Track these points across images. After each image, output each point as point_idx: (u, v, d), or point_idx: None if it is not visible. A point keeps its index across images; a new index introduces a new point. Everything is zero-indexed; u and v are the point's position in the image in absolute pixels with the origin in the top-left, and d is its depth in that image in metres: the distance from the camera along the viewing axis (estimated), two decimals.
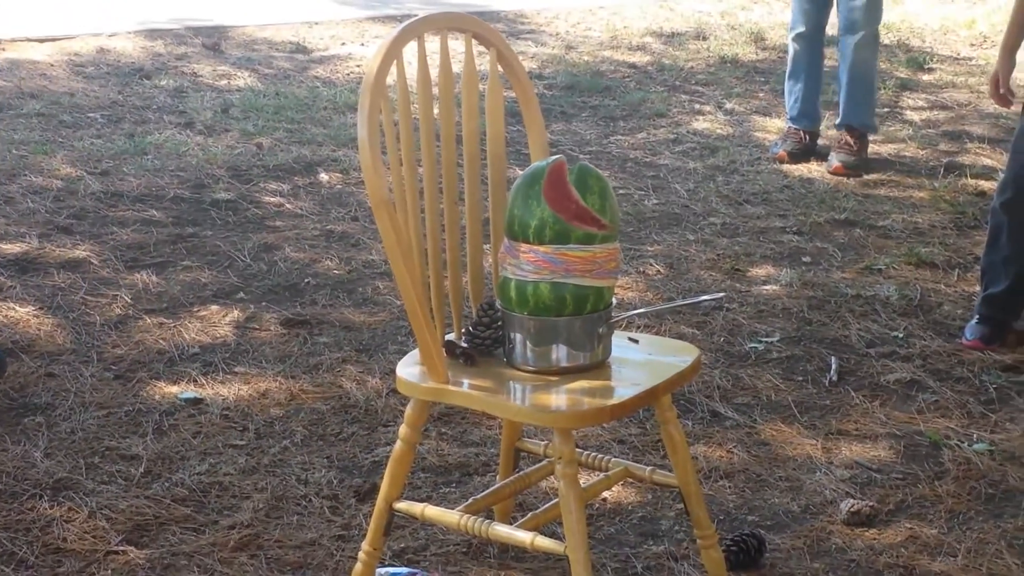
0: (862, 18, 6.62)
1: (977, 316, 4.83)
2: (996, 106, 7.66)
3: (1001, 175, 6.40)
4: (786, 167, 6.74)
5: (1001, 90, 4.74)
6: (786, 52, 7.10)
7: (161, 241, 5.59)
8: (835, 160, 6.68)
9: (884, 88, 8.07)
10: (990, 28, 9.68)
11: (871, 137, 6.89)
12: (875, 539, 3.59)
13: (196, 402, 4.28)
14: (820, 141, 6.96)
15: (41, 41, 8.84)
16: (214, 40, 9.00)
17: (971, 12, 9.89)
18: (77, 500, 3.69)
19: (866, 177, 6.62)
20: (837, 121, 6.85)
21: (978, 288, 5.01)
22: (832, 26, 6.93)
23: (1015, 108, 5.00)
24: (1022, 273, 4.76)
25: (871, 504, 3.70)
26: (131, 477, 3.83)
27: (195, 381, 4.41)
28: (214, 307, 4.98)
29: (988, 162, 6.79)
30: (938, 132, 7.37)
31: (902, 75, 8.46)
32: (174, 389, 4.36)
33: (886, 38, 9.07)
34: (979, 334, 4.77)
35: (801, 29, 6.77)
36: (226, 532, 3.56)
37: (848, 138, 6.71)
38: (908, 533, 3.61)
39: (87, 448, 3.99)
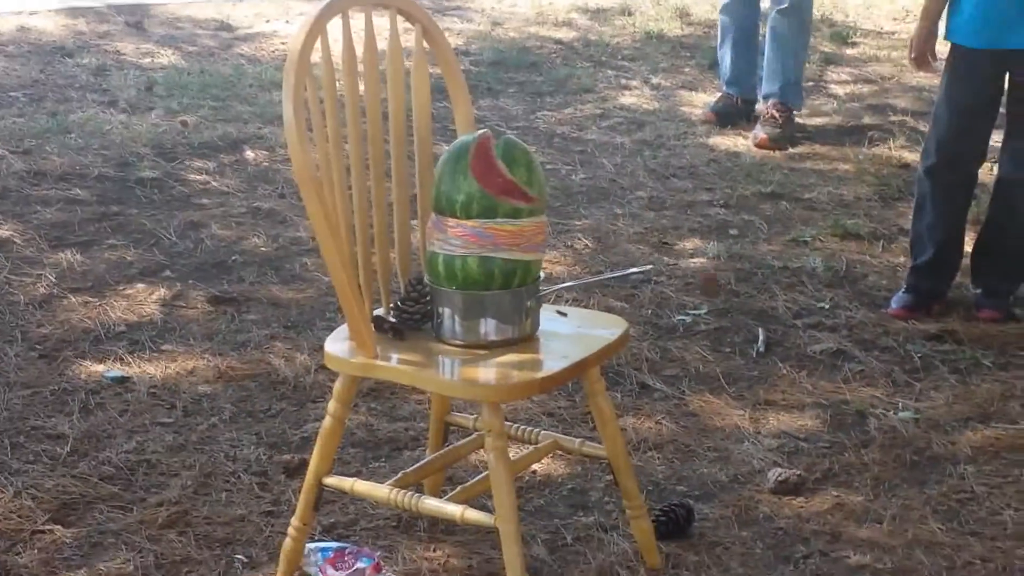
0: None
1: (904, 286, 4.88)
2: (918, 78, 7.78)
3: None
4: (713, 140, 6.77)
5: (913, 54, 4.77)
6: (711, 27, 7.14)
7: (85, 220, 5.54)
8: (760, 133, 6.72)
9: (809, 63, 8.11)
10: (912, 2, 9.75)
11: (797, 111, 6.93)
12: (802, 507, 3.62)
13: (123, 380, 4.25)
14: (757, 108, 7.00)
15: None
16: (137, 18, 8.92)
17: None
18: (2, 480, 3.66)
19: (792, 150, 6.66)
20: (762, 93, 6.89)
21: (906, 259, 5.06)
22: None
23: (936, 78, 5.04)
24: (946, 240, 4.81)
25: (798, 473, 3.74)
26: (57, 456, 3.80)
27: (121, 359, 4.38)
28: (140, 285, 4.95)
29: (912, 135, 6.85)
30: (862, 106, 7.42)
31: (826, 49, 8.51)
32: (100, 368, 4.33)
33: None
34: (903, 303, 4.82)
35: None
36: (154, 510, 3.54)
37: (773, 111, 6.75)
38: (834, 501, 3.65)
39: (11, 428, 3.95)
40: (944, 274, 4.86)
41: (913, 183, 5.96)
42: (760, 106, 6.91)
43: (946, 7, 4.66)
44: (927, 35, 4.72)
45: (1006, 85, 4.68)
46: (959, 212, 4.84)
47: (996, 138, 4.82)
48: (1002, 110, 4.74)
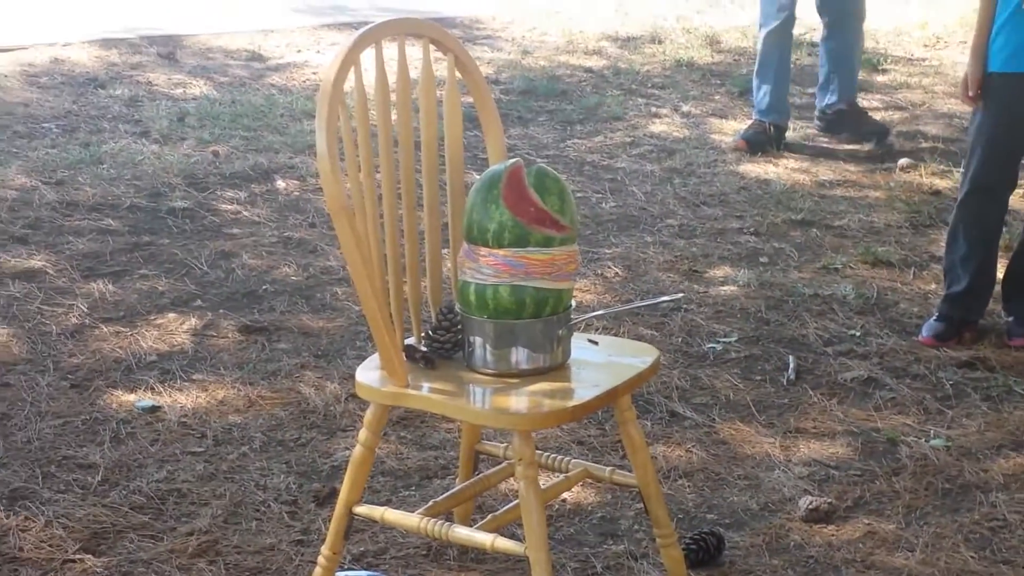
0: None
1: (936, 314, 4.87)
2: (949, 105, 7.77)
3: (956, 174, 6.46)
4: (743, 168, 6.77)
5: (971, 93, 4.78)
6: (741, 55, 7.16)
7: (117, 250, 5.56)
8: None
9: None
10: (942, 29, 9.74)
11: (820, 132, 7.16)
12: (833, 535, 3.61)
13: (153, 410, 4.27)
14: (789, 134, 7.11)
15: None
16: (169, 49, 8.97)
17: (924, 14, 9.94)
18: (34, 509, 3.68)
19: (822, 178, 6.66)
20: (826, 102, 7.24)
21: (937, 286, 5.05)
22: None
23: (968, 106, 5.04)
24: (979, 271, 4.81)
25: (829, 501, 3.73)
26: (88, 486, 3.81)
27: (152, 389, 4.40)
28: (171, 315, 4.97)
29: (943, 162, 6.84)
30: (893, 132, 7.40)
31: (858, 76, 8.50)
32: (131, 397, 4.35)
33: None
34: (934, 331, 4.81)
35: (774, 24, 6.90)
36: (184, 539, 3.55)
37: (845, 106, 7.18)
38: (866, 529, 3.63)
39: (43, 457, 3.97)
40: (977, 303, 4.86)
41: (944, 210, 5.97)
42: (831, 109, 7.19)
43: None
44: (979, 72, 4.74)
45: None
46: (992, 240, 4.84)
47: None
48: None
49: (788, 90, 7.17)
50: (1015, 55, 4.58)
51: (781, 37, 6.95)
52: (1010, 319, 4.86)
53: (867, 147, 7.07)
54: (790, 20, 6.94)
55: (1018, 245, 4.89)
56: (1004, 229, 4.91)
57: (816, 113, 7.38)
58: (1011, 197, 4.84)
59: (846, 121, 7.19)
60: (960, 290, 4.82)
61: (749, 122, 7.18)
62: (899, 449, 4.07)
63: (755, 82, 7.12)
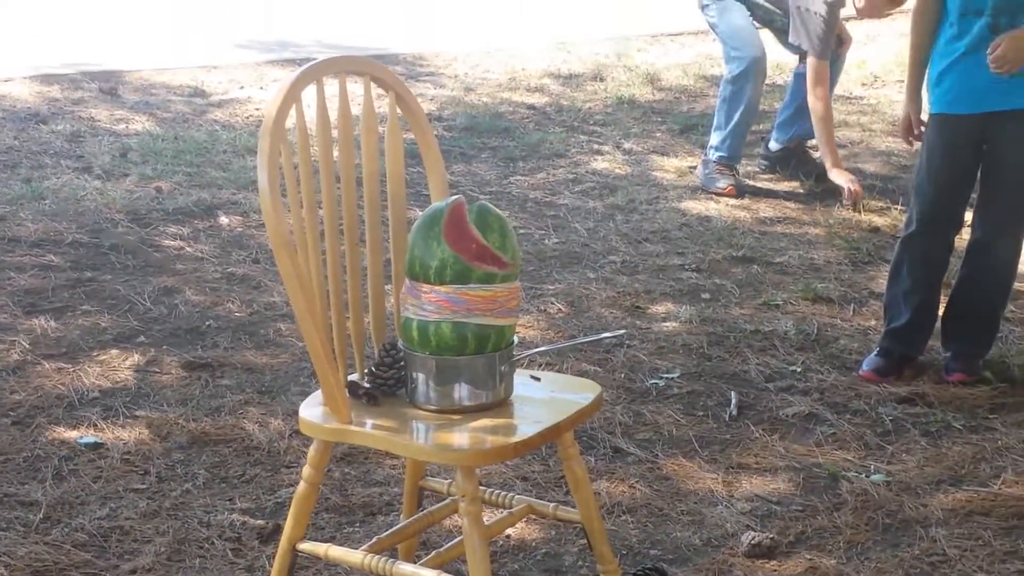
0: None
1: (877, 349, 4.91)
2: (887, 143, 7.85)
3: (895, 211, 6.54)
4: (684, 204, 6.82)
5: (916, 131, 4.86)
6: (682, 92, 7.19)
7: (59, 286, 5.54)
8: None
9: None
10: (880, 68, 9.85)
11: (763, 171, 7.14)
12: (776, 570, 3.63)
13: (96, 446, 4.25)
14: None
15: None
16: (111, 84, 8.95)
17: (862, 53, 10.04)
18: None
19: (762, 215, 6.71)
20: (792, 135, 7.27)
21: (877, 322, 5.09)
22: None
23: (909, 146, 5.11)
24: (922, 306, 4.86)
25: (771, 536, 3.75)
26: (30, 523, 3.79)
27: (95, 425, 4.38)
28: (114, 351, 4.95)
29: (881, 199, 6.91)
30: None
31: None
32: (73, 434, 4.32)
33: (779, 78, 9.20)
34: (874, 366, 4.85)
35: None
36: None
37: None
38: (808, 564, 3.66)
39: None
40: (919, 337, 4.91)
41: (883, 247, 6.03)
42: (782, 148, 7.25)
43: (924, 83, 4.76)
44: (917, 110, 4.83)
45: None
46: (937, 278, 4.90)
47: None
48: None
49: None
50: (960, 98, 4.64)
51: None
52: (948, 354, 4.91)
53: (807, 184, 7.12)
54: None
55: (957, 281, 4.94)
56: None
57: (762, 150, 7.40)
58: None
59: (791, 157, 7.23)
60: (901, 325, 4.86)
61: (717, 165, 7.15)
62: (840, 484, 4.10)
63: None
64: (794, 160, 7.26)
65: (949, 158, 4.72)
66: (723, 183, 7.03)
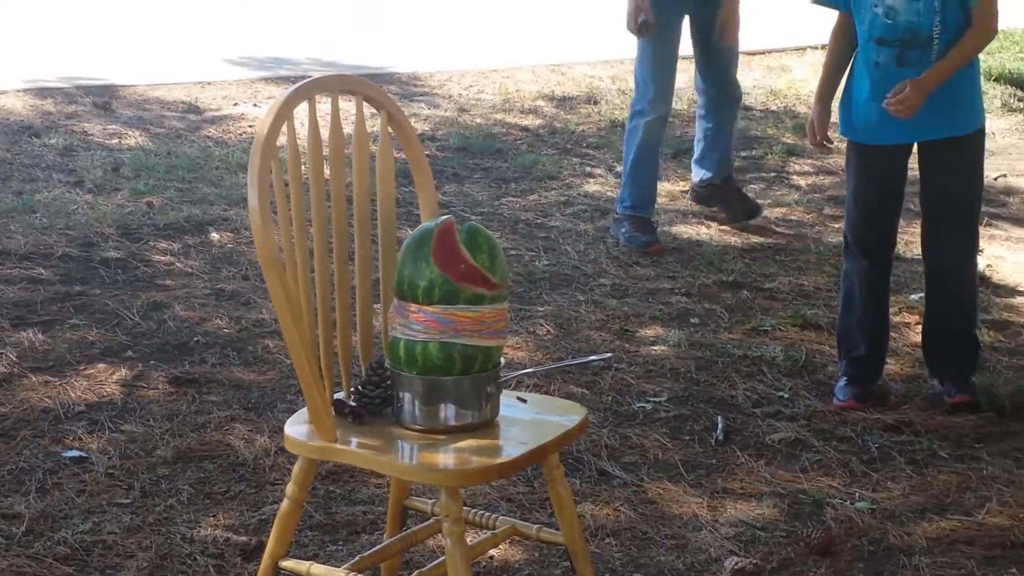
0: None
1: (846, 377, 4.90)
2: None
3: None
4: (675, 229, 6.82)
5: (818, 138, 4.88)
6: (675, 117, 7.17)
7: (48, 299, 5.54)
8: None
9: (772, 154, 8.22)
10: None
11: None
12: None
13: (81, 460, 4.24)
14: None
15: None
16: (105, 99, 8.95)
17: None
18: None
19: (753, 240, 6.72)
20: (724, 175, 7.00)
21: (835, 352, 5.09)
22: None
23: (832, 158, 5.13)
24: (876, 333, 4.88)
25: (755, 562, 3.75)
26: (12, 536, 3.78)
27: (80, 439, 4.38)
28: (101, 365, 4.94)
29: None
30: (823, 196, 7.49)
31: (788, 141, 8.59)
32: (58, 448, 4.32)
33: (773, 104, 9.22)
34: (851, 395, 4.84)
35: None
36: None
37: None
38: None
39: None
40: (879, 360, 4.93)
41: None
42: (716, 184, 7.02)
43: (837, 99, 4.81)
44: (824, 119, 4.85)
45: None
46: (883, 300, 4.94)
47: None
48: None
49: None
50: (877, 128, 4.67)
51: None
52: (935, 381, 4.89)
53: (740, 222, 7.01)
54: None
55: (925, 311, 4.97)
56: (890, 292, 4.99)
57: (691, 186, 7.29)
58: (909, 259, 4.90)
59: (718, 196, 7.07)
60: (862, 354, 4.88)
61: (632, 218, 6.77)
62: (825, 511, 4.10)
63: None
64: (722, 197, 7.02)
65: (871, 185, 4.78)
66: (645, 238, 6.53)
